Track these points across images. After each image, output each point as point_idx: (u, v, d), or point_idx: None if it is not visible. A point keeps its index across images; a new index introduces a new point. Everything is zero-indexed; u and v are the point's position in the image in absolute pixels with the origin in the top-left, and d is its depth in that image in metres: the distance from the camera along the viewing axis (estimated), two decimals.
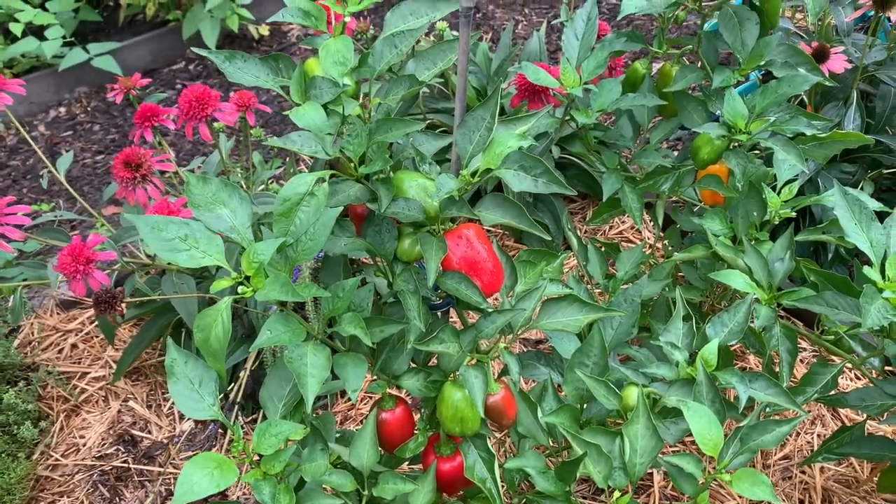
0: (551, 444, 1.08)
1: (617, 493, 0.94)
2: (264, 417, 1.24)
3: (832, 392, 1.24)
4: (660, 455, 0.95)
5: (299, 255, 0.92)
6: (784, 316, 1.83)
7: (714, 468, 0.93)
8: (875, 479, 1.43)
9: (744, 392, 0.97)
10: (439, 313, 1.12)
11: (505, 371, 1.06)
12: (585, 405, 1.08)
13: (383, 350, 1.03)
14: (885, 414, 1.19)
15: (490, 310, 0.99)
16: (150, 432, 1.69)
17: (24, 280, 1.48)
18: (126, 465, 1.62)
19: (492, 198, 0.98)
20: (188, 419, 1.71)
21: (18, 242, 1.37)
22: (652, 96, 1.39)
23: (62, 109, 3.07)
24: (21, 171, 2.70)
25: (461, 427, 0.99)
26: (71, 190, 1.55)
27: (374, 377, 1.04)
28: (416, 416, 1.10)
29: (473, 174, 0.94)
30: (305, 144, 0.95)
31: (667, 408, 1.04)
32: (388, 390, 1.05)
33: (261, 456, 0.91)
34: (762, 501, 0.86)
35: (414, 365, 1.06)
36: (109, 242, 1.35)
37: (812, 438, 1.55)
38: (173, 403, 1.70)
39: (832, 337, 1.35)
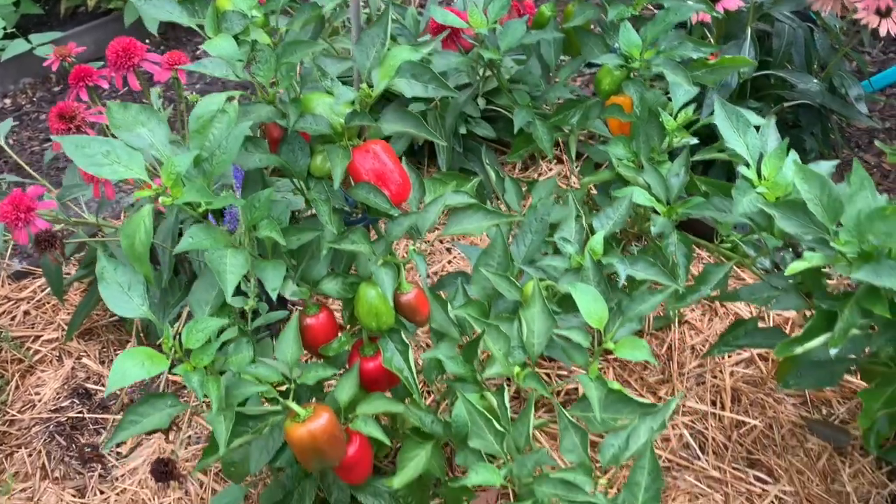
0: (463, 339, 1.18)
1: (517, 369, 1.05)
2: None
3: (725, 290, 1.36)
4: (554, 332, 1.05)
5: (215, 168, 1.01)
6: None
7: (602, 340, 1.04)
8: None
9: (623, 271, 1.08)
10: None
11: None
12: (493, 304, 1.19)
13: (303, 259, 1.13)
14: (772, 303, 1.31)
15: (397, 214, 1.09)
16: (103, 385, 1.76)
17: None
18: (81, 415, 1.69)
19: (392, 110, 1.08)
20: None
21: None
22: (553, 31, 1.49)
23: (7, 101, 3.11)
24: None
25: (377, 321, 1.09)
26: (10, 152, 1.61)
27: (297, 285, 1.13)
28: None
29: (371, 87, 1.03)
30: (217, 68, 1.04)
31: (564, 298, 1.15)
32: (312, 301, 1.14)
33: (190, 352, 1.00)
34: None
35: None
36: (48, 194, 1.42)
37: None
38: None
39: (729, 245, 1.47)
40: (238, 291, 1.23)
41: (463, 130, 2.03)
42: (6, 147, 1.60)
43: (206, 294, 1.05)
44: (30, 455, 1.63)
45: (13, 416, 1.71)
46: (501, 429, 0.99)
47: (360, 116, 1.04)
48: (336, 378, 1.17)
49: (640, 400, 1.02)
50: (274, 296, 1.02)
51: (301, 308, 1.15)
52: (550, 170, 2.17)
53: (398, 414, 1.29)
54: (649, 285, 1.12)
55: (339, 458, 1.07)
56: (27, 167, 1.75)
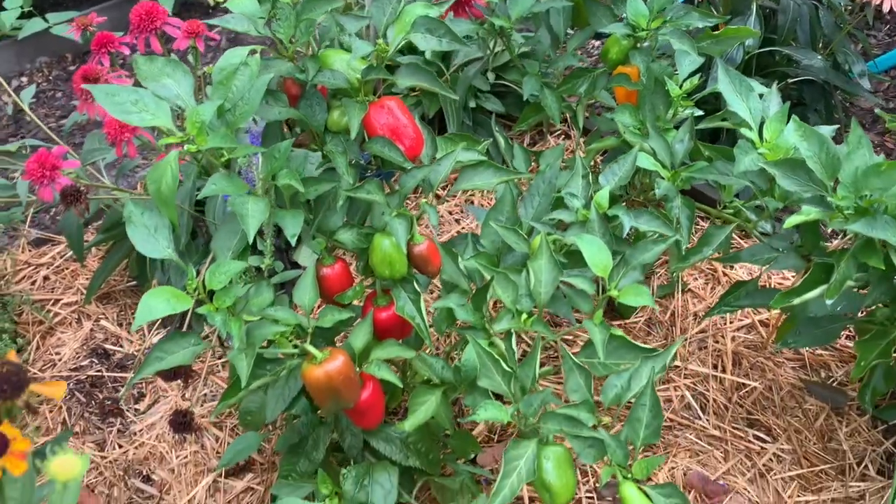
0: (472, 289, 1.23)
1: (524, 316, 1.09)
2: None
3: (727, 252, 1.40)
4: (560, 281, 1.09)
5: (237, 119, 1.05)
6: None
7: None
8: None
9: (628, 222, 1.12)
10: None
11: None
12: (501, 258, 1.23)
13: (320, 210, 1.17)
14: (772, 263, 1.35)
15: (411, 167, 1.14)
16: (121, 346, 1.81)
17: None
18: (100, 373, 1.75)
19: (407, 66, 1.12)
20: (158, 333, 1.84)
21: None
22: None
23: (24, 79, 3.16)
24: None
25: (390, 270, 1.14)
26: (34, 118, 1.66)
27: (314, 237, 1.18)
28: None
29: (387, 42, 1.08)
30: (238, 24, 1.09)
31: (571, 253, 1.19)
32: (328, 255, 1.19)
33: (213, 293, 1.05)
34: None
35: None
36: (72, 153, 1.47)
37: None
38: None
39: (731, 211, 1.51)
40: (255, 252, 1.28)
41: (472, 104, 2.07)
42: (29, 111, 1.65)
43: (229, 241, 1.10)
44: (51, 411, 1.69)
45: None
46: (509, 370, 1.04)
47: (376, 70, 1.09)
48: (350, 330, 1.21)
49: (642, 345, 1.06)
50: (293, 241, 1.07)
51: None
52: (558, 144, 2.20)
53: (409, 367, 1.34)
54: (652, 237, 1.16)
55: (353, 400, 1.11)
56: (49, 132, 1.79)
